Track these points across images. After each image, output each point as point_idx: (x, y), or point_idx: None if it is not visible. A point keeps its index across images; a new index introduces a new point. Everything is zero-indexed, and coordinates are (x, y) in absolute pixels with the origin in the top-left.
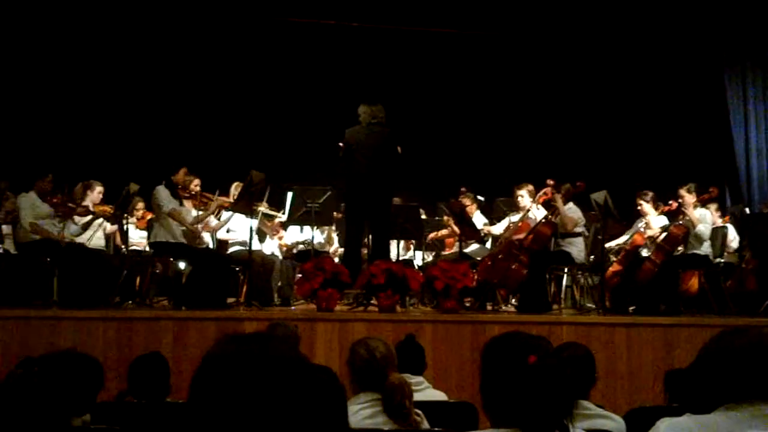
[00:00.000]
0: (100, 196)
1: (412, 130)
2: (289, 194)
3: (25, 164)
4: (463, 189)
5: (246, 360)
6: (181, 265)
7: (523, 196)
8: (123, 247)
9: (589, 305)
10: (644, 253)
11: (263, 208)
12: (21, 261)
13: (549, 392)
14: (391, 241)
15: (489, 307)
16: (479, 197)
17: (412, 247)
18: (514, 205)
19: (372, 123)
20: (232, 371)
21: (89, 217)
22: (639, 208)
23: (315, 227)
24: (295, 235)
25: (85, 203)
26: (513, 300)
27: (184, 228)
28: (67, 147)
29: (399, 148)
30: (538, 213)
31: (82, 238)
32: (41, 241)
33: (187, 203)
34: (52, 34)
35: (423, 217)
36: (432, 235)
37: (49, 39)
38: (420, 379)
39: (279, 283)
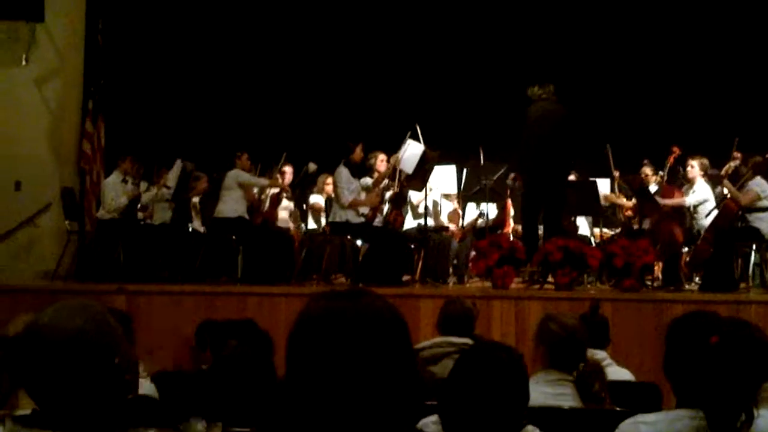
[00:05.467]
0: (290, 177)
1: (588, 106)
2: (464, 171)
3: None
4: (645, 161)
5: (339, 317)
6: (359, 242)
7: (693, 167)
8: (303, 225)
9: None
10: None
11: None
12: (209, 239)
13: (733, 374)
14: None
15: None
16: (660, 172)
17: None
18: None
19: (549, 101)
20: (327, 330)
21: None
22: None
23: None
24: (470, 211)
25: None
26: (696, 278)
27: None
28: (249, 131)
29: None
30: (704, 187)
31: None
32: (227, 219)
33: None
34: (236, 21)
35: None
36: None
37: (234, 26)
38: (604, 354)
39: (454, 261)
